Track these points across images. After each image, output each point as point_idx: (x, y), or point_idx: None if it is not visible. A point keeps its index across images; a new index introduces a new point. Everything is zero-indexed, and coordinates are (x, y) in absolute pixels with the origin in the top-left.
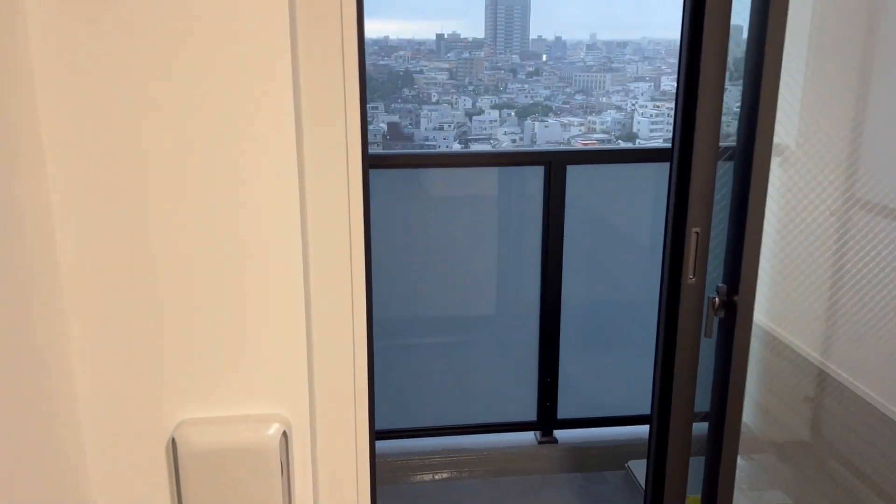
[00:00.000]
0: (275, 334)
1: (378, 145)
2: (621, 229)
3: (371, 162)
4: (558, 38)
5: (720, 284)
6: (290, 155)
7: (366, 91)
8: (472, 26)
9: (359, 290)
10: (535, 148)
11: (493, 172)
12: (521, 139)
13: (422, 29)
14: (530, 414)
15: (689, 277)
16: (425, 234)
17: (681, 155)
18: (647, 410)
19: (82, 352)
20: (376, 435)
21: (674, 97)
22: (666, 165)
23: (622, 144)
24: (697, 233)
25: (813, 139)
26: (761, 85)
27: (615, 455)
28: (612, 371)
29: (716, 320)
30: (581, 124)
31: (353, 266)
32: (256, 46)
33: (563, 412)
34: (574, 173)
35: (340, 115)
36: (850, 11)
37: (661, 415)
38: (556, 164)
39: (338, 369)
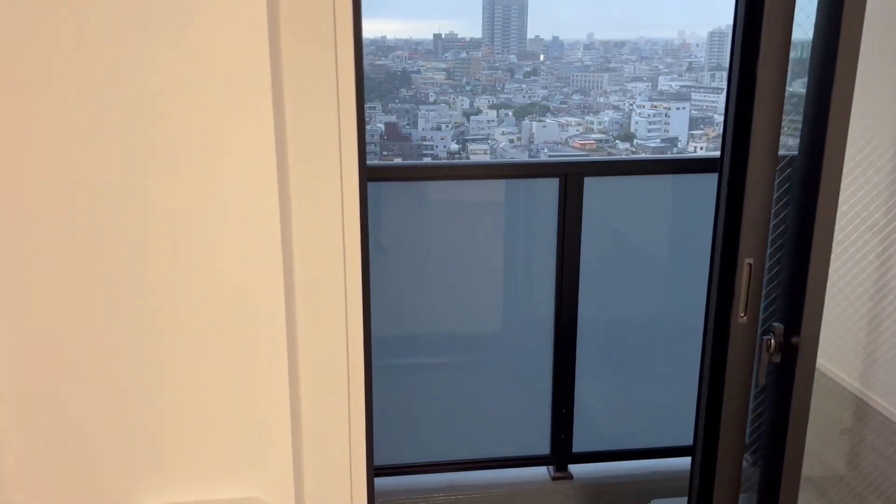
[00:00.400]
0: (252, 400)
1: (375, 145)
2: (643, 245)
3: (376, 174)
4: (556, 38)
5: (776, 324)
6: (270, 179)
7: (363, 101)
8: (469, 26)
9: (355, 330)
10: (550, 159)
11: (504, 182)
12: (519, 139)
13: (419, 29)
14: (543, 447)
15: (740, 315)
16: (431, 249)
17: (732, 173)
18: (672, 442)
19: (10, 424)
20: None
21: (671, 97)
22: (693, 177)
23: (630, 153)
24: (751, 265)
25: (852, 148)
26: (833, 84)
27: (637, 492)
28: (633, 399)
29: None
30: (579, 124)
31: (348, 306)
32: (230, 54)
33: (578, 445)
34: (591, 185)
35: (333, 130)
36: None
37: (705, 454)
38: (572, 176)
39: (330, 438)
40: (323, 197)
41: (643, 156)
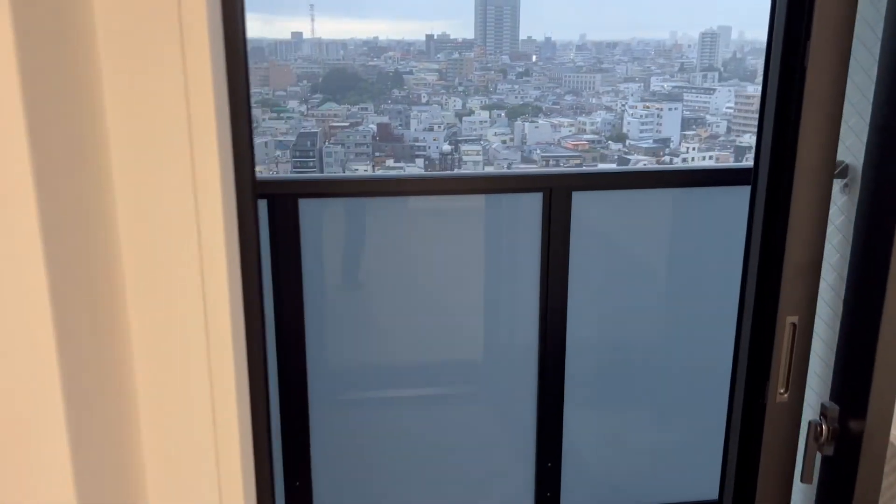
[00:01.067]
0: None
1: (368, 146)
2: (640, 270)
3: (337, 189)
4: (548, 39)
5: (827, 403)
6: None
7: (248, 95)
8: (461, 27)
9: (223, 378)
10: (533, 171)
11: (483, 197)
12: (512, 140)
13: (412, 29)
14: None
15: (780, 391)
16: (387, 270)
17: (770, 199)
18: (678, 497)
19: None
20: None
21: (664, 98)
22: (697, 192)
23: (622, 154)
24: (795, 324)
25: (889, 155)
26: None
27: None
28: (631, 446)
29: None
30: (571, 125)
31: (211, 346)
32: None
33: (567, 502)
34: (580, 201)
35: (179, 137)
36: None
37: None
38: (558, 191)
39: None
40: (164, 218)
41: (640, 167)
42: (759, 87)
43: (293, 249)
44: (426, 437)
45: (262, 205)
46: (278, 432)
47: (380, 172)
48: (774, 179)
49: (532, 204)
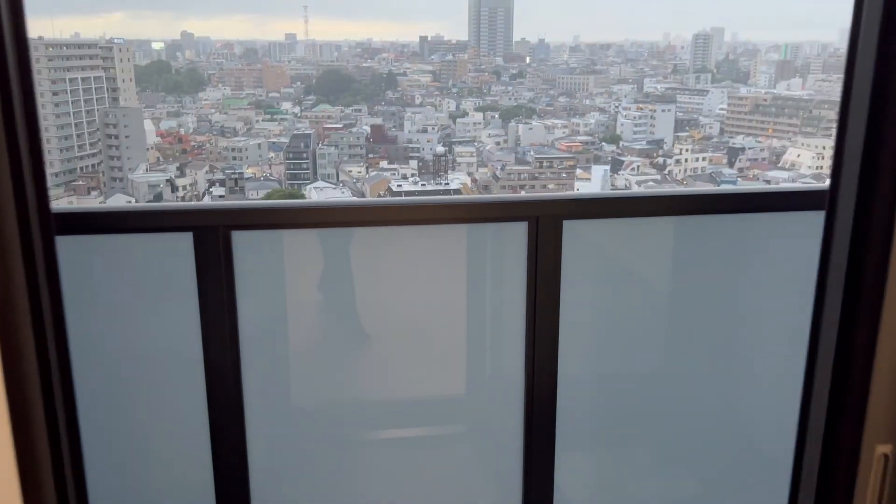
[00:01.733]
0: None
1: (361, 147)
2: (641, 302)
3: (279, 219)
4: (541, 41)
5: None
6: None
7: (30, 101)
8: (455, 28)
9: None
10: (519, 197)
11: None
12: (506, 141)
13: (405, 31)
14: None
15: None
16: (362, 302)
17: (854, 265)
18: None
19: None
20: None
21: (657, 99)
22: (702, 220)
23: (616, 155)
24: (887, 456)
25: None
26: None
27: None
28: (630, 495)
29: None
30: (565, 126)
31: None
32: None
33: None
34: (571, 230)
35: None
36: None
37: None
38: (546, 220)
39: None
40: None
41: (638, 191)
42: (754, 89)
43: (226, 287)
44: (393, 489)
45: (187, 238)
46: (210, 488)
47: (331, 200)
48: (861, 233)
49: (517, 234)
